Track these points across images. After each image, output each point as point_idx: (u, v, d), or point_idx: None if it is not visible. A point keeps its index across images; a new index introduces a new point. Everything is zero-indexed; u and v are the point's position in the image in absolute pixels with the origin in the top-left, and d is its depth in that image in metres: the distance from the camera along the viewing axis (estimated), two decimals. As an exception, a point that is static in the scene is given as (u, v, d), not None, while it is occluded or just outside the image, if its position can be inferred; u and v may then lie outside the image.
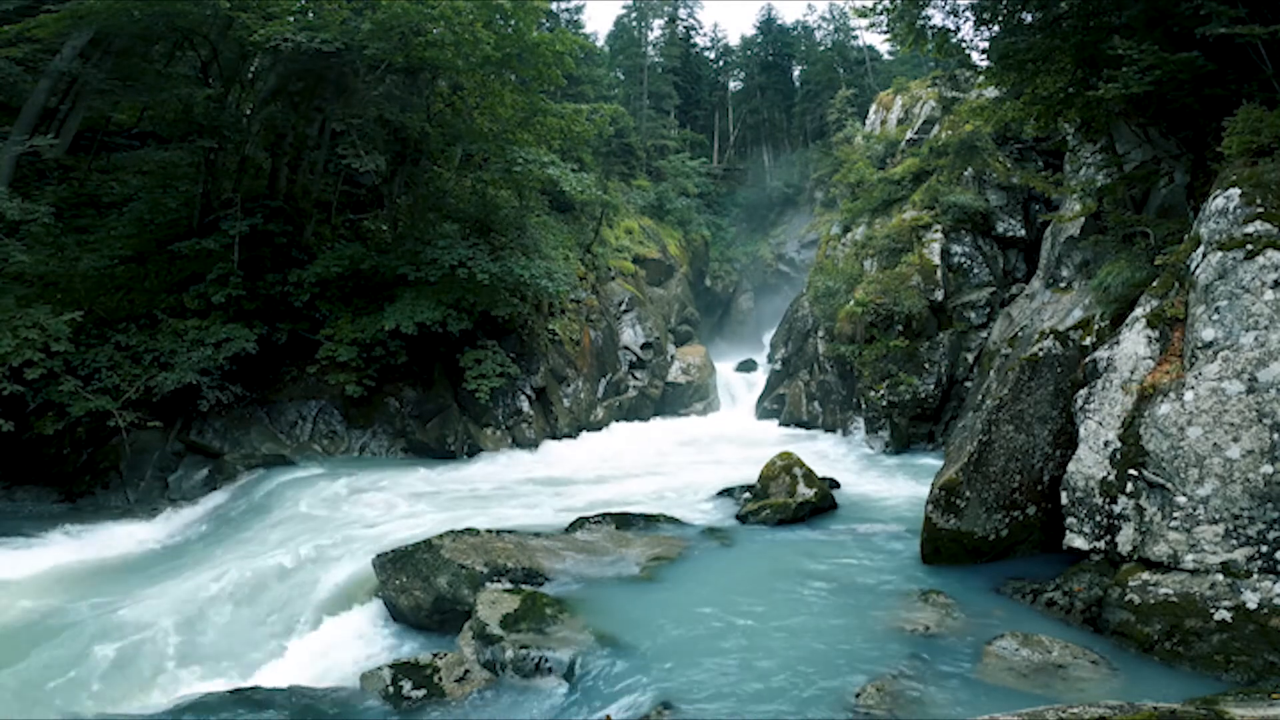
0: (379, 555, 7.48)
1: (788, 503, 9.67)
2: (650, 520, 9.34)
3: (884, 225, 18.76)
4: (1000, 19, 10.97)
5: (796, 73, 47.78)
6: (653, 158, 35.29)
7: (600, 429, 19.19)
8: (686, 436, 18.76)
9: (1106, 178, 11.50)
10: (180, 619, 6.81)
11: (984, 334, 16.24)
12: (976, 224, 17.36)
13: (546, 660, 5.63)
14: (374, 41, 13.10)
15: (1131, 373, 6.65)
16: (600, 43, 42.14)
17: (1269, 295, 5.78)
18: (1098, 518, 6.39)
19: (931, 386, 15.66)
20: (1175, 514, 5.81)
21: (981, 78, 12.77)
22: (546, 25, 25.97)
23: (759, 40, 48.41)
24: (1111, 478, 6.33)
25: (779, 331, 25.67)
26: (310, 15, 13.72)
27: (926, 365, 15.90)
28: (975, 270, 17.04)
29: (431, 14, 13.27)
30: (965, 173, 17.88)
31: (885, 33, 12.56)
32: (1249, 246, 6.01)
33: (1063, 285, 13.98)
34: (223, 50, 14.07)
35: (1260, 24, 7.15)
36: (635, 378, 22.14)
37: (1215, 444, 5.70)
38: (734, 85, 50.00)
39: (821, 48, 45.81)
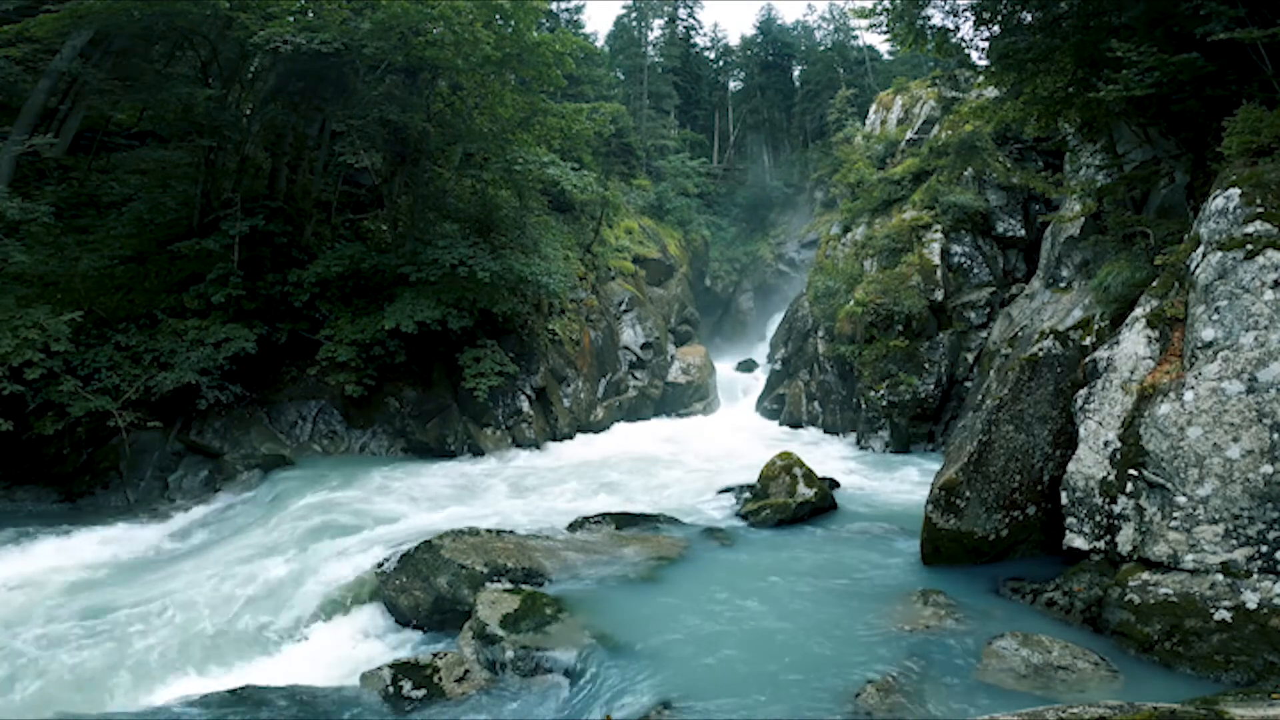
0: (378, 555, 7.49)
1: (788, 503, 9.67)
2: (650, 520, 9.34)
3: (884, 225, 18.76)
4: (1000, 19, 10.97)
5: (796, 73, 47.73)
6: (653, 158, 35.27)
7: (600, 429, 19.19)
8: (686, 436, 18.76)
9: (1106, 178, 11.50)
10: (180, 619, 6.81)
11: (984, 334, 16.24)
12: (976, 224, 17.36)
13: (546, 660, 5.63)
14: (373, 41, 13.10)
15: (1131, 373, 6.65)
16: (600, 43, 42.16)
17: (1269, 295, 5.78)
18: (1098, 518, 6.39)
19: (931, 386, 15.66)
20: (1175, 514, 5.81)
21: (981, 78, 12.77)
22: (546, 25, 25.98)
23: (759, 40, 48.37)
24: (1111, 478, 6.33)
25: (779, 331, 25.66)
26: (310, 15, 13.71)
27: (926, 365, 15.90)
28: (975, 270, 17.05)
29: (431, 14, 13.27)
30: (965, 173, 17.88)
31: (885, 33, 12.56)
32: (1249, 246, 6.01)
33: (1063, 285, 13.98)
34: (223, 50, 14.07)
35: (1260, 26, 7.16)
36: (635, 378, 22.14)
37: (1215, 444, 5.70)
38: (734, 85, 49.96)
39: (821, 48, 45.80)
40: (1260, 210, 6.19)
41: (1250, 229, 6.13)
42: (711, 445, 17.09)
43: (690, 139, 40.25)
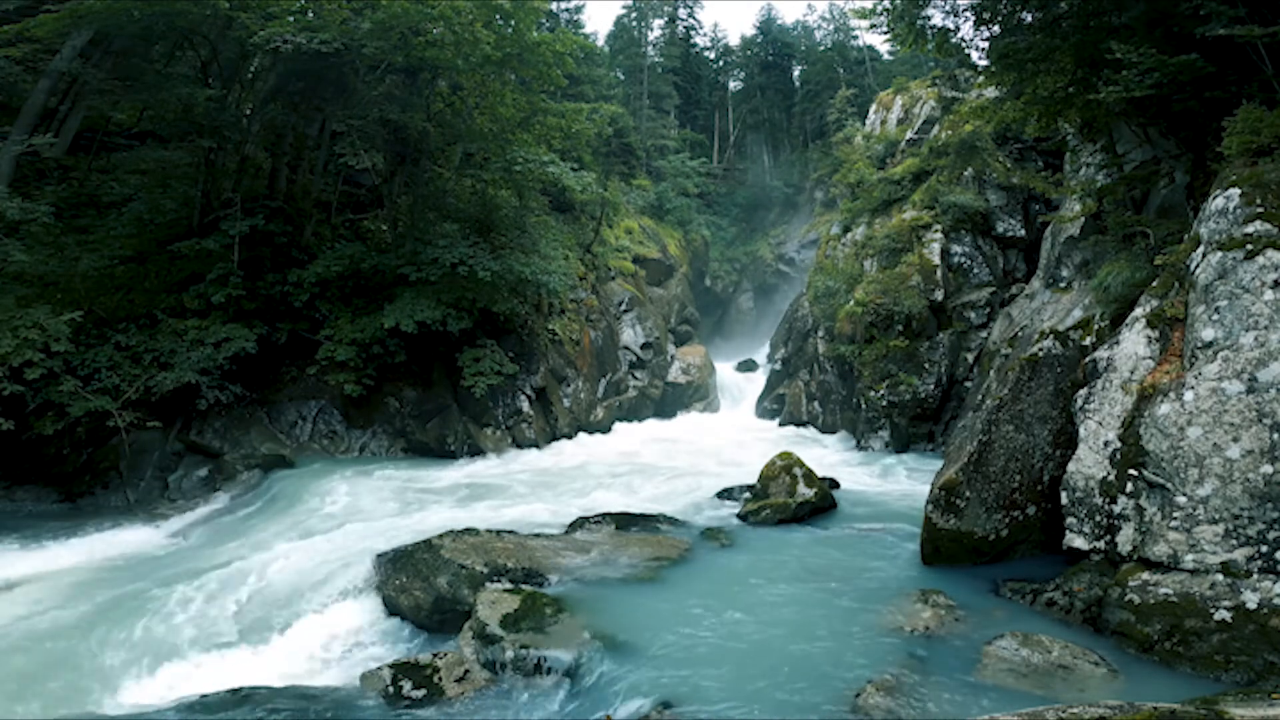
0: (379, 555, 7.50)
1: (788, 503, 9.67)
2: (650, 520, 9.33)
3: (884, 225, 18.76)
4: (1000, 19, 10.97)
5: (796, 73, 47.73)
6: (653, 158, 35.28)
7: (600, 429, 19.18)
8: (686, 437, 18.76)
9: (1106, 178, 11.50)
10: (179, 620, 6.81)
11: (984, 334, 16.24)
12: (976, 224, 17.36)
13: (546, 660, 5.63)
14: (373, 41, 13.11)
15: (1131, 373, 6.65)
16: (600, 43, 42.15)
17: (1269, 295, 5.78)
18: (1098, 518, 6.39)
19: (931, 386, 15.66)
20: (1175, 514, 5.81)
21: (981, 78, 12.77)
22: (546, 25, 25.98)
23: (759, 40, 48.37)
24: (1111, 478, 6.33)
25: (779, 331, 25.66)
26: (310, 15, 13.72)
27: (926, 365, 15.90)
28: (975, 270, 17.05)
29: (431, 14, 13.28)
30: (965, 173, 17.88)
31: (885, 33, 12.57)
32: (1249, 246, 6.01)
33: (1063, 285, 13.98)
34: (223, 50, 14.07)
35: (1260, 24, 7.15)
36: (635, 378, 22.14)
37: (1215, 444, 5.70)
38: (734, 85, 49.96)
39: (821, 48, 45.81)
40: (1260, 210, 6.19)
41: (1250, 229, 6.13)
42: (711, 445, 17.09)
43: (690, 139, 40.25)
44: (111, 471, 11.57)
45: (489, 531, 8.11)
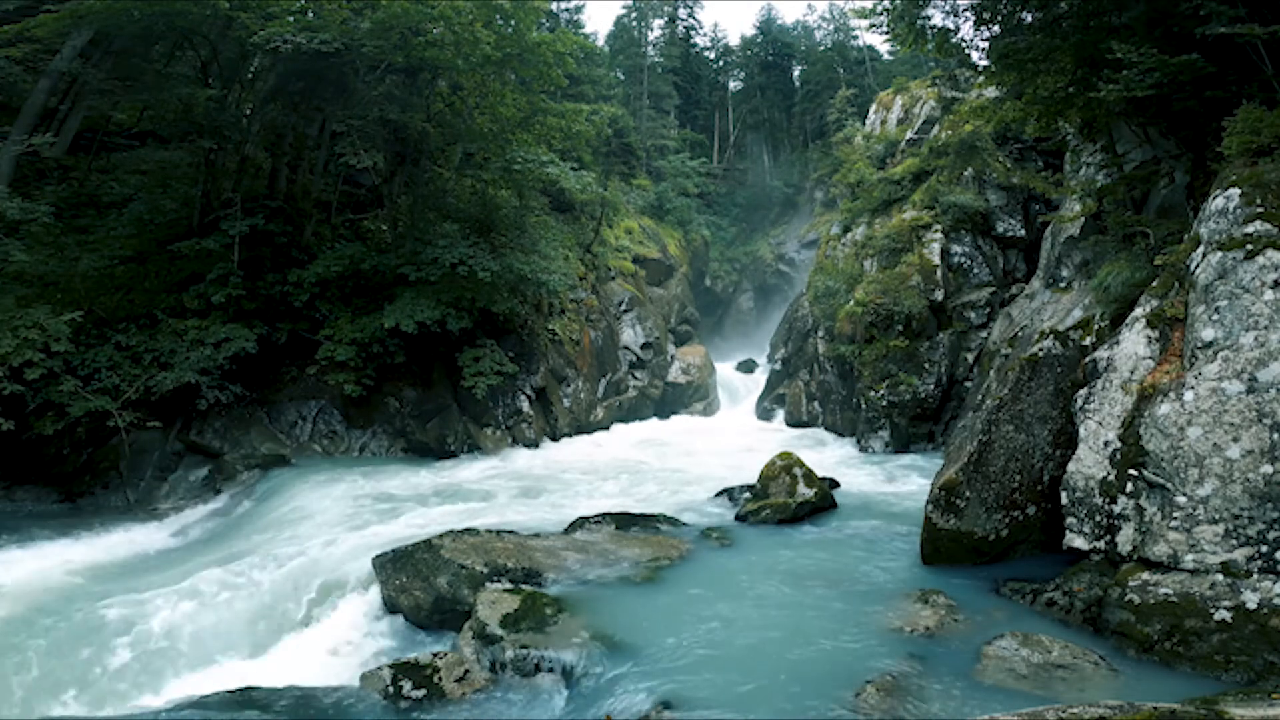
0: (379, 555, 7.49)
1: (787, 503, 9.67)
2: (650, 520, 9.33)
3: (884, 225, 18.75)
4: (1000, 19, 10.97)
5: (796, 73, 47.76)
6: (653, 158, 35.28)
7: (600, 429, 19.18)
8: (686, 437, 18.75)
9: (1106, 178, 11.50)
10: (179, 619, 6.81)
11: (984, 334, 16.24)
12: (976, 224, 17.35)
13: (546, 660, 5.63)
14: (373, 41, 13.11)
15: (1131, 373, 6.65)
16: (600, 43, 42.15)
17: (1269, 295, 5.78)
18: (1098, 518, 6.39)
19: (931, 386, 15.65)
20: (1175, 514, 5.81)
21: (981, 78, 12.78)
22: (546, 25, 25.98)
23: (759, 40, 48.38)
24: (1111, 478, 6.33)
25: (779, 331, 25.66)
26: (310, 15, 13.72)
27: (926, 365, 15.89)
28: (975, 270, 17.04)
29: (431, 14, 13.28)
30: (965, 173, 17.87)
31: (885, 33, 12.57)
32: (1249, 246, 6.00)
33: (1063, 285, 13.98)
34: (223, 50, 14.07)
35: (1260, 24, 7.15)
36: (635, 378, 22.14)
37: (1215, 444, 5.70)
38: (734, 85, 49.98)
39: (821, 48, 45.83)
40: (1260, 210, 6.19)
41: (1250, 229, 6.13)
42: (711, 445, 17.09)
43: (690, 139, 40.25)
44: (111, 471, 11.57)
45: (489, 531, 8.11)
